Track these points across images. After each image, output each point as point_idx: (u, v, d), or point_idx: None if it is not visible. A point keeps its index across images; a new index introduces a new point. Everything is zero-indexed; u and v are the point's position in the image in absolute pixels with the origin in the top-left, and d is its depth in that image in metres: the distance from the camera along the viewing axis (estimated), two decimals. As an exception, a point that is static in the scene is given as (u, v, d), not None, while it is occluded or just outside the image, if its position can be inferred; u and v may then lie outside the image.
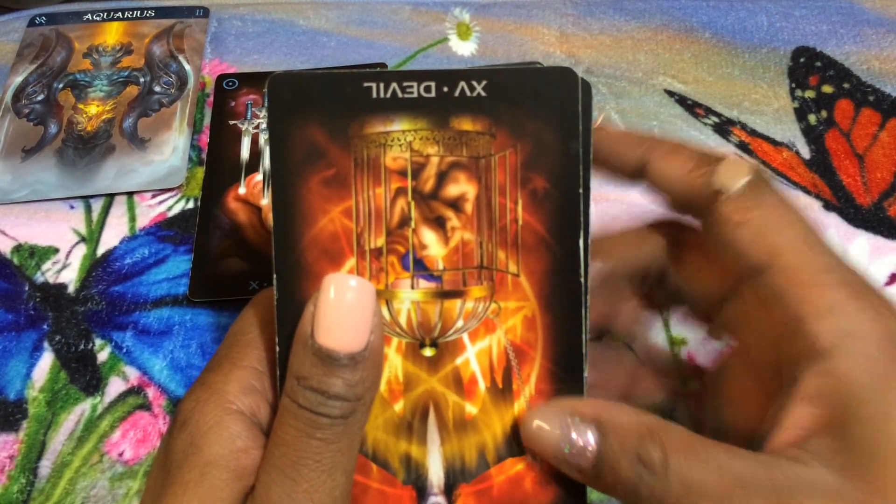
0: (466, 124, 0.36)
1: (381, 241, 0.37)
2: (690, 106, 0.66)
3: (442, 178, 0.37)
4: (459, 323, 0.38)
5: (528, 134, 0.36)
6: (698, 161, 0.38)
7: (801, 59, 0.69)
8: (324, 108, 0.36)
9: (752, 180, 0.36)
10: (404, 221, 0.37)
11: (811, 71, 0.68)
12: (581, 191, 0.36)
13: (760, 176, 0.37)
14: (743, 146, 0.63)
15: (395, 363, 0.38)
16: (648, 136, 0.40)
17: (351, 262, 0.37)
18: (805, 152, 0.63)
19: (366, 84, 0.36)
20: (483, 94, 0.36)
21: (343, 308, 0.33)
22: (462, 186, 0.37)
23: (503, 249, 0.37)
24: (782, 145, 0.63)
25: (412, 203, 0.37)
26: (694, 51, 0.70)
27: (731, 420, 0.39)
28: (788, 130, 0.65)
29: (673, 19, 0.72)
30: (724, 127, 0.65)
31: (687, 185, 0.38)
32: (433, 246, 0.37)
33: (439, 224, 0.37)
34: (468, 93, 0.36)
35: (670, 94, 0.67)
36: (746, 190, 0.36)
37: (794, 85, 0.68)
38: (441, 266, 0.37)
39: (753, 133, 0.64)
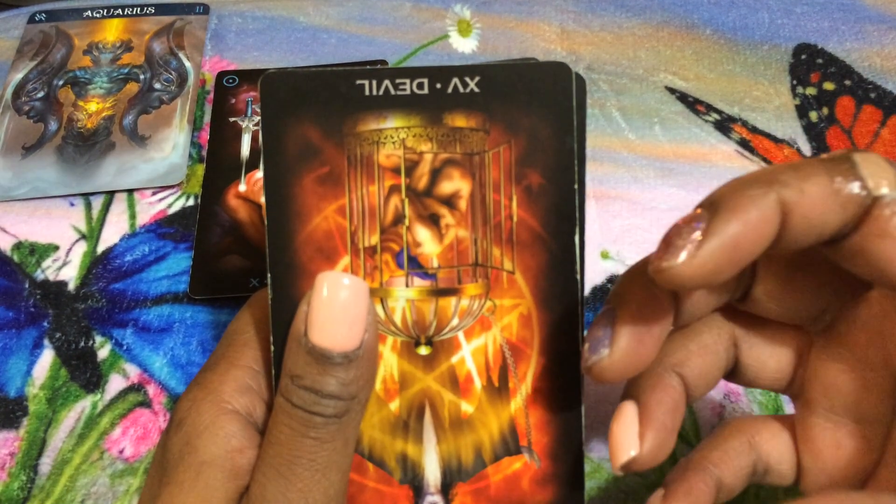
0: (460, 121, 0.36)
1: (375, 239, 0.37)
2: (692, 103, 0.66)
3: (436, 175, 0.37)
4: (455, 321, 0.38)
5: (523, 129, 0.36)
6: (828, 171, 0.30)
7: (803, 56, 0.69)
8: (317, 105, 0.36)
9: None
10: (398, 219, 0.37)
11: (812, 68, 0.68)
12: (576, 186, 0.36)
13: None
14: (744, 143, 0.63)
15: (390, 362, 0.38)
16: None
17: (345, 260, 0.37)
18: (806, 149, 0.63)
19: (359, 81, 0.35)
20: (476, 90, 0.36)
21: (336, 306, 0.33)
22: (456, 183, 0.37)
23: (498, 246, 0.37)
24: (783, 142, 0.63)
25: (406, 201, 0.37)
26: (695, 48, 0.70)
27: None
28: (790, 127, 0.64)
29: (674, 16, 0.72)
30: (725, 124, 0.65)
31: (838, 205, 0.30)
32: (427, 243, 0.37)
33: (433, 221, 0.37)
34: (461, 89, 0.36)
35: (671, 90, 0.67)
36: None
37: (795, 82, 0.67)
38: (436, 264, 0.37)
39: (755, 130, 0.64)
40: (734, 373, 0.39)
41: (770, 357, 0.38)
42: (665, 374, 0.37)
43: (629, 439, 0.35)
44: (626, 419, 0.35)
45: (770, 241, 0.30)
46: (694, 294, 0.35)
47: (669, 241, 0.30)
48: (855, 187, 0.29)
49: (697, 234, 0.29)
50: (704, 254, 0.29)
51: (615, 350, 0.33)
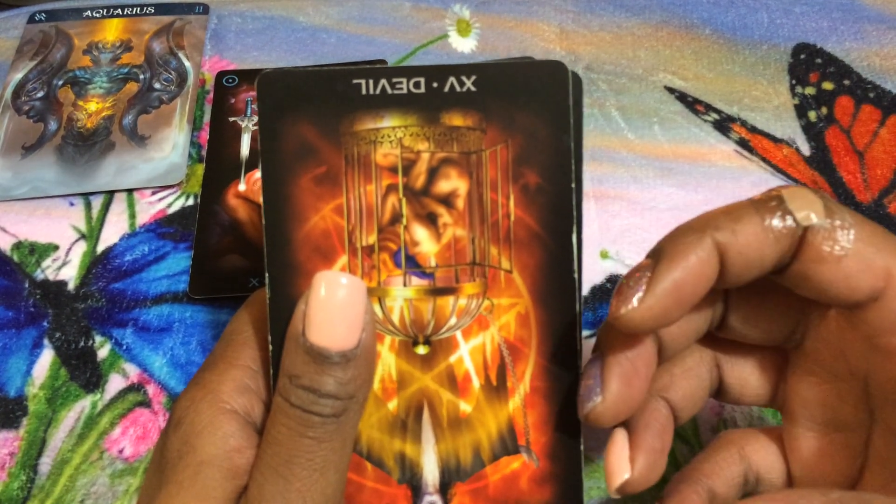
0: (457, 120, 0.36)
1: (372, 239, 0.37)
2: (691, 102, 0.66)
3: (433, 174, 0.37)
4: (452, 320, 0.38)
5: (520, 128, 0.36)
6: (758, 210, 0.33)
7: (802, 56, 0.69)
8: (314, 105, 0.36)
9: (826, 204, 0.33)
10: (396, 218, 0.37)
11: (811, 68, 0.68)
12: (573, 185, 0.36)
13: (824, 194, 0.34)
14: (743, 143, 0.63)
15: (388, 361, 0.38)
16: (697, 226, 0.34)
17: (343, 259, 0.37)
18: (805, 149, 0.63)
19: (355, 81, 0.35)
20: (473, 88, 0.36)
21: (334, 306, 0.33)
22: (453, 182, 0.37)
23: (495, 245, 0.37)
24: (782, 142, 0.63)
25: (403, 200, 0.37)
26: (694, 47, 0.70)
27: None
28: (789, 127, 0.64)
29: (673, 16, 0.72)
30: (724, 124, 0.65)
31: (772, 240, 0.33)
32: (425, 243, 0.37)
33: (431, 221, 0.37)
34: (458, 88, 0.36)
35: (671, 90, 0.67)
36: (827, 215, 0.33)
37: (794, 82, 0.67)
38: (433, 263, 0.37)
39: (754, 130, 0.64)
40: (719, 392, 0.41)
41: (751, 375, 0.40)
42: (651, 399, 0.39)
43: (621, 464, 0.37)
44: (618, 445, 0.37)
45: (711, 280, 0.33)
46: (673, 330, 0.37)
47: (622, 291, 0.33)
48: (784, 221, 0.33)
49: (644, 282, 0.33)
50: (651, 299, 0.32)
51: (607, 396, 0.35)
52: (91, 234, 0.59)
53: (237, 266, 0.57)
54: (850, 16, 0.72)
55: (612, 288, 0.55)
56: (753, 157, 0.62)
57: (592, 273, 0.56)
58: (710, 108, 0.66)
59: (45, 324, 0.55)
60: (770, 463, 0.39)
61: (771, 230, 0.33)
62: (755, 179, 0.61)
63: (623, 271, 0.56)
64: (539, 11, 0.72)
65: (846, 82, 0.67)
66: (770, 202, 0.33)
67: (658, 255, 0.33)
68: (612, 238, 0.58)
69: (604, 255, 0.57)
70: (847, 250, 0.32)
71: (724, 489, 0.38)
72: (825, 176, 0.61)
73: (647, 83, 0.67)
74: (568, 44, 0.70)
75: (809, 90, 0.67)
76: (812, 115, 0.65)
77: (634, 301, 0.33)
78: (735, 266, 0.33)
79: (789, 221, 0.33)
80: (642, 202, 0.60)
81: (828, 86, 0.67)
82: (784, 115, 0.65)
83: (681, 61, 0.69)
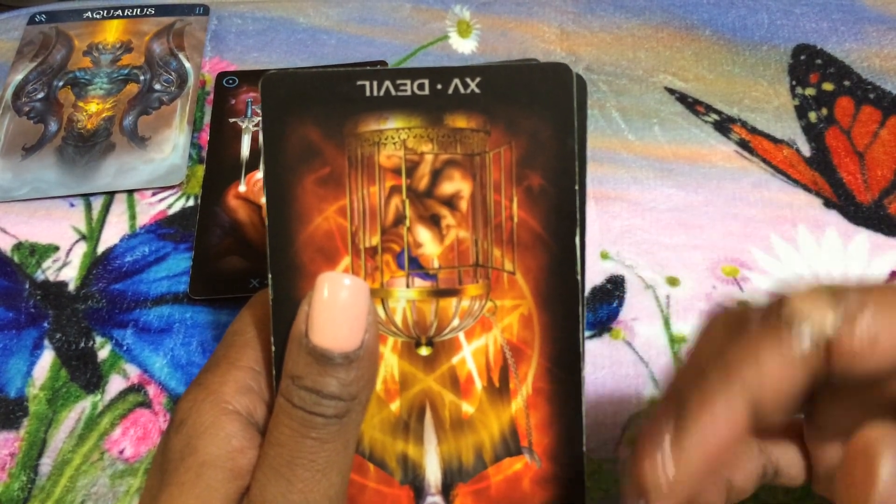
0: (461, 121, 0.36)
1: (375, 240, 0.37)
2: (691, 103, 0.66)
3: (436, 175, 0.37)
4: (455, 322, 0.38)
5: (523, 130, 0.36)
6: (774, 341, 0.31)
7: (802, 57, 0.69)
8: (318, 106, 0.36)
9: (831, 297, 0.31)
10: (399, 220, 0.37)
11: (812, 68, 0.68)
12: (577, 187, 0.36)
13: (821, 283, 0.32)
14: (743, 143, 0.63)
15: (390, 362, 0.38)
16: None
17: (346, 261, 0.37)
18: (805, 150, 0.63)
19: (359, 82, 0.35)
20: (477, 90, 0.36)
21: (337, 307, 0.33)
22: (457, 184, 0.37)
23: (499, 247, 0.37)
24: (783, 143, 0.63)
25: (407, 201, 0.37)
26: (694, 48, 0.70)
27: None
28: (789, 128, 0.64)
29: (673, 17, 0.72)
30: (724, 124, 0.65)
31: (801, 366, 0.31)
32: (428, 244, 0.37)
33: (434, 222, 0.37)
34: (462, 90, 0.36)
35: (671, 91, 0.67)
36: (836, 309, 0.31)
37: (794, 82, 0.67)
38: (436, 264, 0.37)
39: (754, 130, 0.64)
40: None
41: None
42: None
43: None
44: None
45: (742, 436, 0.31)
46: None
47: (642, 462, 0.31)
48: (803, 346, 0.30)
49: (668, 445, 0.31)
50: (680, 474, 0.31)
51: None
52: (91, 235, 0.59)
53: (237, 267, 0.57)
54: (851, 17, 0.72)
55: (612, 288, 0.55)
56: (754, 157, 0.63)
57: (593, 273, 0.56)
58: (710, 108, 0.66)
59: (45, 325, 0.55)
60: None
61: (795, 361, 0.31)
62: (755, 180, 0.61)
63: (623, 272, 0.56)
64: (539, 12, 0.72)
65: (846, 83, 0.67)
66: (780, 325, 0.31)
67: (681, 415, 0.31)
68: (612, 239, 0.58)
69: (604, 256, 0.57)
70: (875, 329, 0.30)
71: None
72: (825, 177, 0.61)
73: (648, 84, 0.67)
74: (568, 45, 0.70)
75: (809, 91, 0.67)
76: (812, 115, 0.65)
77: (660, 476, 0.31)
78: (768, 408, 0.31)
79: (808, 344, 0.31)
80: (643, 203, 0.60)
81: (828, 87, 0.67)
82: (784, 115, 0.65)
83: (681, 62, 0.69)
